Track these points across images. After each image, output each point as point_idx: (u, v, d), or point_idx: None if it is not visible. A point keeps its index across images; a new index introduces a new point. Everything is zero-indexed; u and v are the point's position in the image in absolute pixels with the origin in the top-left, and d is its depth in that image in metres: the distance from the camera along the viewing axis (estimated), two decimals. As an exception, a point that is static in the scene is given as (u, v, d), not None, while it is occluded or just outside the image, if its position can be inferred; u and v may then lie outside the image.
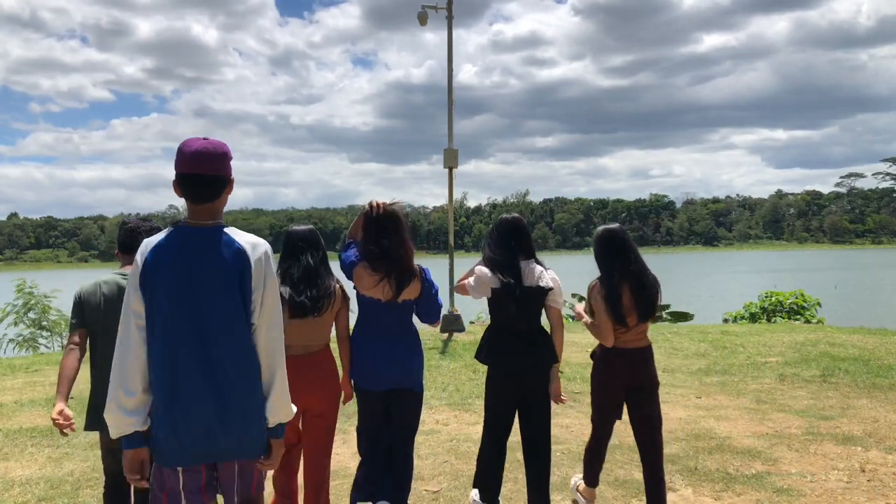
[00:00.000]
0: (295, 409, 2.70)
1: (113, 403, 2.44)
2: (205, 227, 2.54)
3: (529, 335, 3.95)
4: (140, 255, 2.51)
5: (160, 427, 2.45)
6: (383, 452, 3.92)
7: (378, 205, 3.79)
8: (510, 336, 3.95)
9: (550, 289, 3.93)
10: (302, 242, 3.86)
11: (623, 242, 4.05)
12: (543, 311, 4.00)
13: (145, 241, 2.56)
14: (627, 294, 3.94)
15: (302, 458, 4.01)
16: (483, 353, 4.05)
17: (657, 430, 4.04)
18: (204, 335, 2.46)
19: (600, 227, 4.20)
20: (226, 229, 2.56)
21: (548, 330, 4.03)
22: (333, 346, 3.88)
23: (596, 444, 4.24)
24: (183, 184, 2.52)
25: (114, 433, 2.46)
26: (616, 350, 3.98)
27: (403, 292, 3.79)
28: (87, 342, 3.52)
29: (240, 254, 2.52)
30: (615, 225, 4.19)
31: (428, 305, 3.92)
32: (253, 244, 2.56)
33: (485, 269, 3.92)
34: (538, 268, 3.96)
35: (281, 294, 3.00)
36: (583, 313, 4.19)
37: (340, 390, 3.98)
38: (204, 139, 2.56)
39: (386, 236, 3.77)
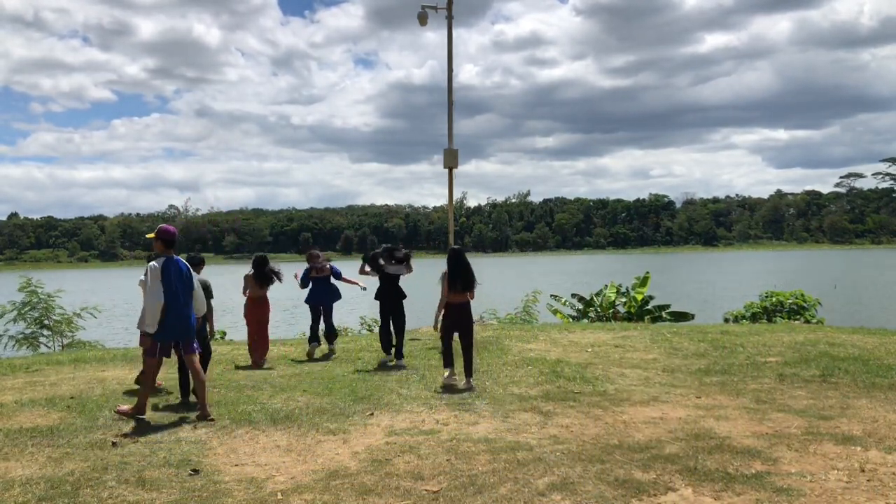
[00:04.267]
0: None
1: (150, 321, 6.75)
2: (173, 256, 6.88)
3: (393, 289, 9.87)
4: (157, 266, 6.71)
5: (164, 327, 6.76)
6: (318, 323, 10.77)
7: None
8: (386, 289, 9.84)
9: (400, 273, 9.89)
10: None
11: (461, 257, 8.30)
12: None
13: (155, 261, 6.78)
14: (458, 281, 8.15)
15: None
16: (377, 295, 9.88)
17: (469, 340, 8.25)
18: (181, 297, 6.82)
19: (451, 247, 8.57)
20: (177, 257, 6.93)
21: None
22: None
23: (446, 348, 8.33)
24: (164, 242, 6.88)
25: (151, 330, 6.77)
26: (451, 304, 8.21)
27: (324, 272, 10.72)
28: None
29: (187, 267, 7.01)
30: (458, 246, 8.62)
31: (333, 274, 10.74)
32: (187, 263, 7.11)
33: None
34: (400, 266, 9.84)
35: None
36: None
37: (267, 310, 10.30)
38: (171, 227, 7.01)
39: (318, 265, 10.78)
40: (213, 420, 6.69)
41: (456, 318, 8.21)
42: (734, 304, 20.04)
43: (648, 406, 6.98)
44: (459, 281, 8.14)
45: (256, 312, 10.08)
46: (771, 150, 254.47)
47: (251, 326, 10.11)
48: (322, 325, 10.80)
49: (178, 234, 7.02)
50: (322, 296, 10.69)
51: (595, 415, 6.67)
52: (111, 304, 45.45)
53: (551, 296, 19.16)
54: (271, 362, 10.17)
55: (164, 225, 7.00)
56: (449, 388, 7.94)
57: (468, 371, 8.07)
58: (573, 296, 18.71)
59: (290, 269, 10.86)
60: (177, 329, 6.81)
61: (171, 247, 6.90)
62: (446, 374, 8.23)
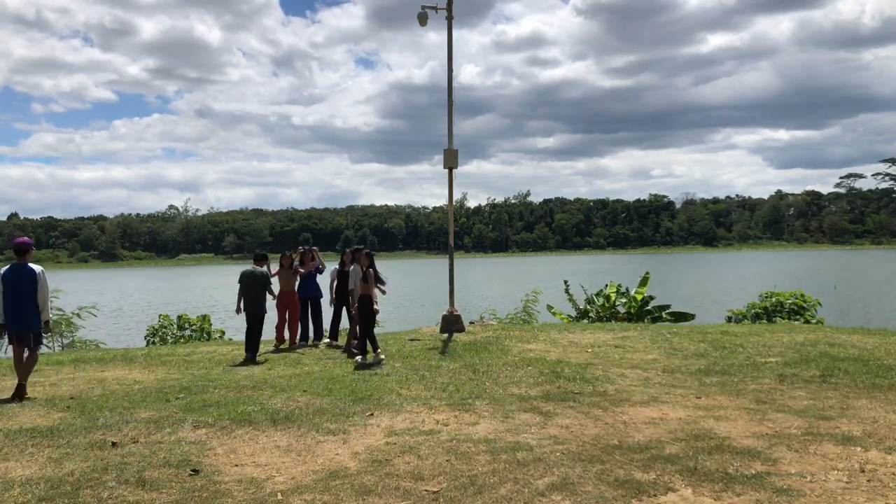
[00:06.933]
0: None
1: None
2: (22, 263, 8.03)
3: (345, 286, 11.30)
4: (2, 274, 7.94)
5: (7, 320, 7.93)
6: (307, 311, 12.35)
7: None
8: (341, 286, 11.54)
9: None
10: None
11: (370, 257, 10.31)
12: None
13: (5, 268, 8.09)
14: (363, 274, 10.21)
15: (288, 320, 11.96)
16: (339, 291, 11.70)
17: (371, 324, 10.18)
18: (21, 297, 7.89)
19: (358, 247, 10.69)
20: (28, 264, 8.03)
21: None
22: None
23: (362, 335, 10.18)
24: (14, 251, 8.12)
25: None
26: (363, 295, 10.05)
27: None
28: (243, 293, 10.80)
29: (34, 272, 7.99)
30: (362, 246, 11.84)
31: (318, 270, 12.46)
32: (38, 267, 8.07)
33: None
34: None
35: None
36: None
37: (292, 301, 11.90)
38: (23, 236, 8.94)
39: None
40: (29, 399, 7.87)
41: (369, 307, 10.16)
42: (734, 304, 20.05)
43: (648, 406, 6.98)
44: (371, 277, 10.20)
45: (283, 300, 11.81)
46: (771, 151, 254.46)
47: (279, 313, 11.85)
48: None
49: (27, 243, 8.17)
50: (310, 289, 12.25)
51: (595, 415, 6.66)
52: (116, 304, 45.51)
53: (566, 291, 18.93)
54: (271, 363, 10.19)
55: (18, 238, 8.29)
56: (443, 386, 7.95)
57: (364, 348, 10.19)
58: (580, 286, 18.66)
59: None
60: (13, 322, 7.89)
61: (21, 255, 8.05)
62: (367, 357, 10.03)
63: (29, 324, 7.93)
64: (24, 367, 8.00)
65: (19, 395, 7.88)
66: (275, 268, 11.73)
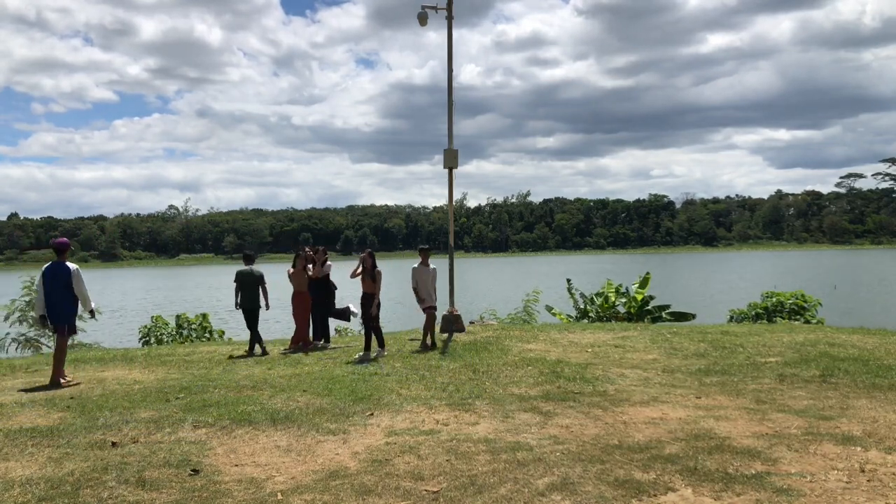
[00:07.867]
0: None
1: (36, 309, 9.80)
2: (60, 262, 8.87)
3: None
4: (43, 271, 8.96)
5: (48, 314, 8.91)
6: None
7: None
8: (319, 287, 12.03)
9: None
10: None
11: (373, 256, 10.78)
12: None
13: (46, 265, 8.97)
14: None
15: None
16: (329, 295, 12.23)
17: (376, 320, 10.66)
18: (54, 294, 8.81)
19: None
20: (66, 262, 8.87)
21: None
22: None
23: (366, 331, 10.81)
24: (54, 251, 8.94)
25: (36, 315, 9.84)
26: (366, 293, 10.62)
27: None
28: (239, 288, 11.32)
29: (69, 270, 8.80)
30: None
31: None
32: (74, 266, 8.89)
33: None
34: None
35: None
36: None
37: (304, 303, 11.83)
38: (63, 237, 9.36)
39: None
40: (78, 384, 8.79)
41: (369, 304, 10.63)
42: (734, 304, 20.06)
43: (648, 406, 6.98)
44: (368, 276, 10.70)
45: (299, 302, 11.90)
46: (772, 151, 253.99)
47: (298, 316, 11.98)
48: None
49: (64, 243, 9.03)
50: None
51: (595, 415, 6.66)
52: (119, 304, 45.49)
53: (569, 290, 18.82)
54: (271, 363, 10.20)
55: (58, 238, 9.09)
56: (444, 386, 7.95)
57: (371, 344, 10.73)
58: (577, 290, 18.64)
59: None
60: (51, 315, 8.86)
61: (60, 254, 8.89)
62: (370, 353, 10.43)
63: (62, 317, 8.83)
64: (54, 358, 8.96)
65: (54, 383, 8.76)
66: (281, 271, 12.03)
